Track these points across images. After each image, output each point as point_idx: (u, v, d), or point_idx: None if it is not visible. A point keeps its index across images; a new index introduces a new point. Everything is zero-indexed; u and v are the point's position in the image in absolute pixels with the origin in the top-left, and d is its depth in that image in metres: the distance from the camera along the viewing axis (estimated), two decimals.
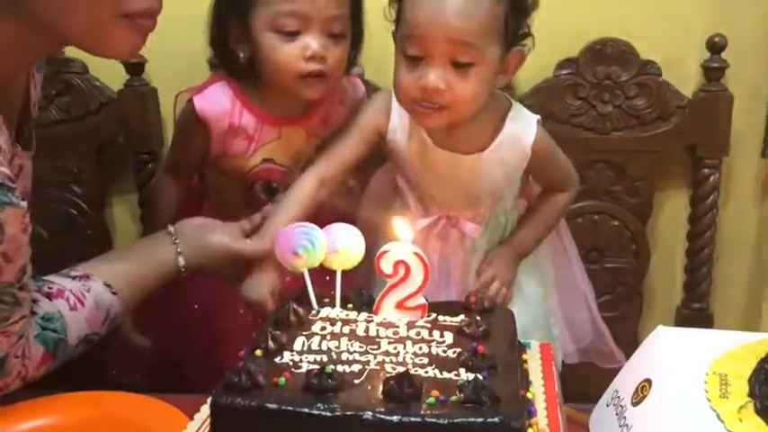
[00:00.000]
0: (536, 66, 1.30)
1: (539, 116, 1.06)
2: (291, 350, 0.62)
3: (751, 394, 0.63)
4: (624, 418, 0.72)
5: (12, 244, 0.72)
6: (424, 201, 1.06)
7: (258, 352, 0.61)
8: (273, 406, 0.53)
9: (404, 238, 0.68)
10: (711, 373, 0.67)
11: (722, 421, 0.60)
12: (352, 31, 1.07)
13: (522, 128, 1.02)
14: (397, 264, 0.68)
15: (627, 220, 1.35)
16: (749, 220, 1.36)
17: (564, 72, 1.30)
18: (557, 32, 1.28)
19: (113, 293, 0.87)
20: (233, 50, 1.07)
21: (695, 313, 1.37)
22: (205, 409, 0.63)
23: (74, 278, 0.87)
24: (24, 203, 0.73)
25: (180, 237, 0.94)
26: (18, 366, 0.78)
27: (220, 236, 0.95)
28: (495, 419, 0.51)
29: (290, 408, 0.53)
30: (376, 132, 1.03)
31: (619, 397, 0.76)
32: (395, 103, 1.02)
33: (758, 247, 1.36)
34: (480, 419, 0.51)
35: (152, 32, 1.30)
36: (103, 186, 1.43)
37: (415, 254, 0.68)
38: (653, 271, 1.38)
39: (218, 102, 1.09)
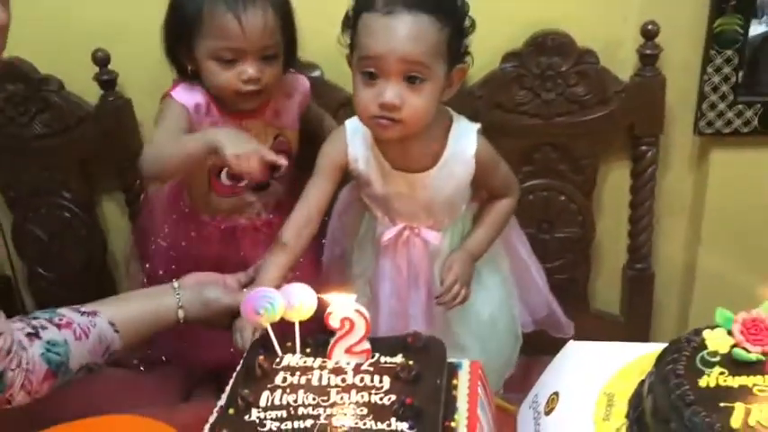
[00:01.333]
0: (483, 59, 1.38)
1: (479, 125, 1.16)
2: (258, 407, 0.76)
3: (627, 416, 0.78)
4: (539, 424, 0.87)
5: None
6: (390, 213, 1.18)
7: (231, 410, 0.76)
8: None
9: (344, 304, 0.82)
10: (602, 393, 0.82)
11: None
12: (284, 45, 1.21)
13: (464, 141, 1.13)
14: (342, 319, 0.82)
15: (573, 195, 1.47)
16: (685, 189, 1.48)
17: (509, 65, 1.38)
18: (500, 26, 1.36)
19: (116, 332, 1.01)
20: (183, 64, 1.22)
21: (638, 273, 1.51)
22: None
23: (83, 314, 0.99)
24: None
25: (181, 292, 1.06)
26: (19, 379, 0.89)
27: (216, 292, 1.08)
28: None
29: None
30: (338, 170, 1.15)
31: (537, 402, 0.91)
32: (350, 137, 1.13)
33: (693, 212, 1.49)
34: None
35: (121, 44, 1.41)
36: (91, 191, 1.55)
37: (357, 311, 0.82)
38: (600, 237, 1.52)
39: (192, 95, 1.23)
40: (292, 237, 1.12)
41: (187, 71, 1.23)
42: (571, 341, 0.92)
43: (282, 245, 1.12)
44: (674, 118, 1.41)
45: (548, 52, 1.37)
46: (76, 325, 0.97)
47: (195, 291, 1.07)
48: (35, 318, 0.96)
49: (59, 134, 1.47)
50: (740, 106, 1.35)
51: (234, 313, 1.03)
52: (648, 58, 1.35)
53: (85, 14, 1.41)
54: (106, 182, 1.56)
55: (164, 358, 1.44)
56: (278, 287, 0.89)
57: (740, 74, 1.33)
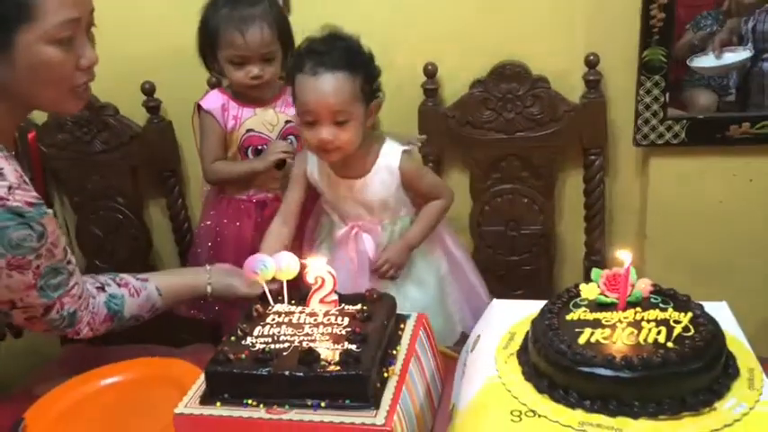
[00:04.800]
0: (455, 86, 1.70)
1: (407, 147, 1.43)
2: (252, 335, 1.06)
3: (520, 345, 1.05)
4: (465, 359, 1.16)
5: (53, 236, 1.12)
6: (341, 216, 1.49)
7: (233, 338, 1.06)
8: (237, 371, 0.99)
9: (318, 266, 1.12)
10: (508, 332, 1.09)
11: (495, 362, 1.03)
12: (282, 49, 1.58)
13: (390, 157, 1.43)
14: (316, 277, 1.12)
15: (535, 198, 1.75)
16: (630, 191, 1.74)
17: (476, 90, 1.68)
18: (468, 59, 1.66)
19: (160, 295, 1.31)
20: (211, 67, 1.61)
21: (594, 264, 1.77)
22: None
23: (137, 279, 1.31)
24: (51, 211, 1.11)
25: (211, 273, 1.37)
26: (87, 318, 1.19)
27: (239, 281, 1.36)
28: (353, 372, 0.96)
29: (245, 371, 0.98)
30: (303, 179, 1.48)
31: (468, 345, 1.19)
32: (310, 155, 1.46)
33: (638, 211, 1.75)
34: (345, 373, 0.96)
35: (163, 76, 1.75)
36: (139, 196, 1.89)
37: (328, 272, 1.12)
38: (562, 233, 1.80)
39: (214, 99, 1.63)
40: (275, 233, 1.46)
41: (215, 71, 1.63)
42: (495, 299, 1.20)
43: (269, 242, 1.44)
44: (616, 132, 1.69)
45: (508, 79, 1.66)
46: (132, 286, 1.28)
47: (222, 275, 1.38)
48: (102, 276, 1.27)
49: (114, 149, 1.82)
50: (669, 122, 1.62)
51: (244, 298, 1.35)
52: (592, 83, 1.64)
53: (134, 53, 1.76)
54: (151, 190, 1.90)
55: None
56: None
57: (667, 95, 1.59)
